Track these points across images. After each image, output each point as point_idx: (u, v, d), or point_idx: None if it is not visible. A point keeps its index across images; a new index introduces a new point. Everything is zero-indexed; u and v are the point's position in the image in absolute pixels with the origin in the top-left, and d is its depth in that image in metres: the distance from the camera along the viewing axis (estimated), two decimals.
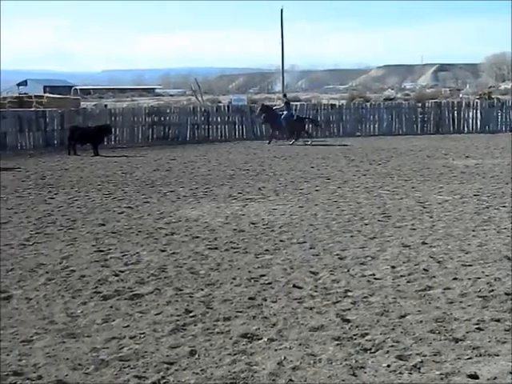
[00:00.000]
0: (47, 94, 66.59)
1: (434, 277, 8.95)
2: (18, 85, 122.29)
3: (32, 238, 11.73)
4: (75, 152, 26.76)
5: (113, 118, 31.72)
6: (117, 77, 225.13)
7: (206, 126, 33.74)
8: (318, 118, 34.80)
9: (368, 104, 41.75)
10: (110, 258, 10.27)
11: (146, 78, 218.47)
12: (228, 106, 38.08)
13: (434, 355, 6.29)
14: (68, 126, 28.76)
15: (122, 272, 9.42)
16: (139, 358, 6.35)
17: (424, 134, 35.63)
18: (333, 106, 38.06)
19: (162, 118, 33.16)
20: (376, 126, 36.29)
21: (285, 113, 31.21)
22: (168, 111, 34.31)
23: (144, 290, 8.57)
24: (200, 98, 46.57)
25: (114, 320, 7.44)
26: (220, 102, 60.90)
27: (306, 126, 32.13)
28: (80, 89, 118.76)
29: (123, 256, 10.36)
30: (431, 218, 13.10)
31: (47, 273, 9.41)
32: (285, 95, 35.03)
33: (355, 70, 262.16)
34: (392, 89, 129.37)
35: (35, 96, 59.76)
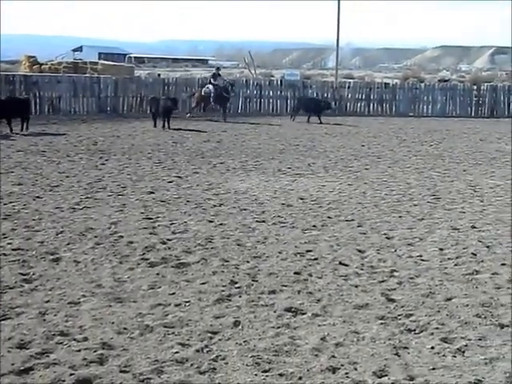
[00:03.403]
0: (102, 61, 66.96)
1: (482, 261, 8.85)
2: (74, 50, 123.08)
3: (82, 203, 11.88)
4: (155, 124, 25.51)
5: (166, 88, 31.78)
6: (172, 47, 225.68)
7: (258, 100, 33.68)
8: (371, 97, 34.56)
9: (422, 84, 41.18)
10: (158, 225, 10.35)
11: (201, 49, 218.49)
12: (281, 81, 37.87)
13: (479, 340, 6.24)
14: (149, 97, 28.34)
15: (170, 240, 9.50)
16: (183, 325, 6.41)
17: (478, 117, 35.13)
18: (386, 84, 37.65)
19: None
20: (430, 107, 35.81)
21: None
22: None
23: (190, 259, 8.64)
24: (253, 71, 46.38)
25: (159, 287, 7.52)
26: (273, 76, 60.58)
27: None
28: (134, 57, 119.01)
29: (171, 224, 10.44)
30: (482, 202, 12.95)
31: (96, 237, 9.53)
32: (218, 68, 31.78)
33: (411, 49, 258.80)
34: (447, 70, 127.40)
35: (90, 62, 60.11)
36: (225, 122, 28.05)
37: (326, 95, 33.77)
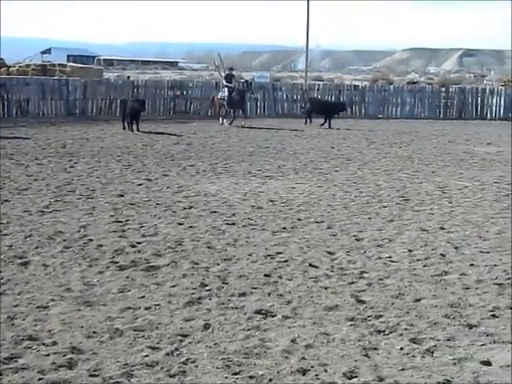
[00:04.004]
0: (70, 63, 66.66)
1: (451, 262, 8.92)
2: (42, 53, 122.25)
3: (51, 206, 11.80)
4: (125, 126, 25.12)
5: (135, 90, 31.68)
6: (142, 49, 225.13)
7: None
8: (341, 99, 34.62)
9: (391, 86, 41.47)
10: (128, 228, 10.31)
11: (170, 51, 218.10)
12: (251, 83, 37.93)
13: (448, 340, 6.29)
14: (120, 99, 27.90)
15: (139, 243, 9.46)
16: (153, 328, 6.39)
17: (446, 118, 35.42)
18: (356, 87, 37.83)
19: (185, 92, 33.09)
20: (398, 109, 36.02)
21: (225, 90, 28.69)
22: (190, 85, 34.19)
23: (160, 262, 8.61)
24: (222, 74, 46.26)
25: (129, 290, 7.48)
26: (242, 79, 60.61)
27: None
28: (103, 59, 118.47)
29: (141, 227, 10.39)
30: (450, 203, 13.05)
31: (65, 241, 9.46)
32: (231, 68, 31.24)
33: (380, 51, 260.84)
34: (416, 72, 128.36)
35: (59, 64, 59.76)
36: (243, 126, 27.50)
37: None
